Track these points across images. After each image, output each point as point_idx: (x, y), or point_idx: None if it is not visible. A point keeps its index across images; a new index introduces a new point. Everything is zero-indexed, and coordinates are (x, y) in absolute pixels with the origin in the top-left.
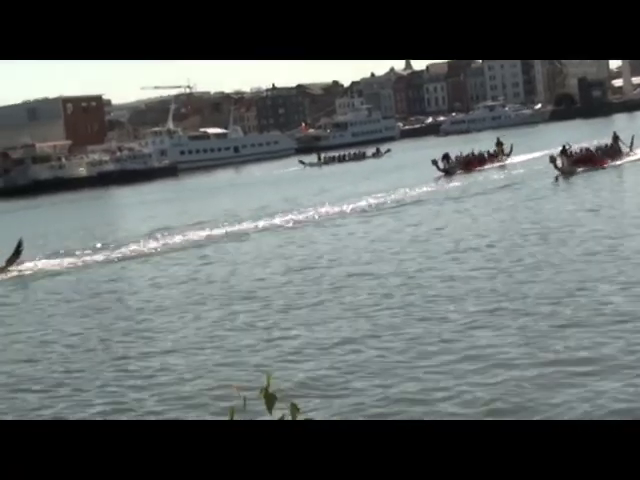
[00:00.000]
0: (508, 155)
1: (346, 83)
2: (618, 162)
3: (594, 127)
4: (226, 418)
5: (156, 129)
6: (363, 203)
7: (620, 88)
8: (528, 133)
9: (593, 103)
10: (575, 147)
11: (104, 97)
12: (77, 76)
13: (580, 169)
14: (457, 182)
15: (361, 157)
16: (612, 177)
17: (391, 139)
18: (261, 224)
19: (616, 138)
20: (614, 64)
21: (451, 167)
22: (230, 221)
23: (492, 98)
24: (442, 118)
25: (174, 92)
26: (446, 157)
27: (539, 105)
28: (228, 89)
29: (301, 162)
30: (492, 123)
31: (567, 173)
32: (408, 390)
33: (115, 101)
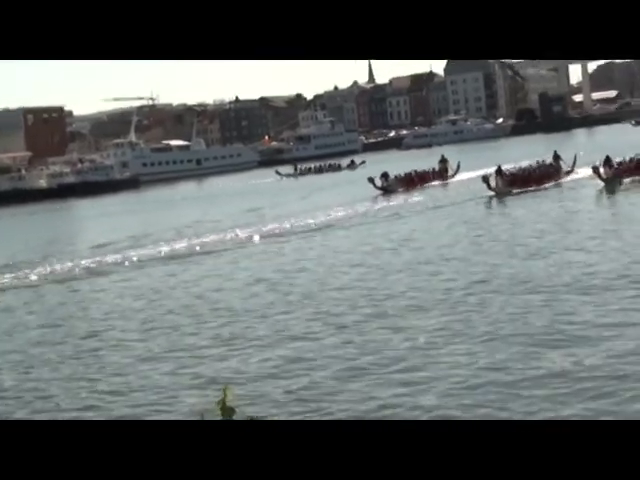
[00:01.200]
0: (455, 173)
1: (309, 96)
2: (558, 182)
3: (554, 142)
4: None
5: (118, 141)
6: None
7: (580, 103)
8: (488, 148)
9: (554, 118)
10: (513, 166)
11: (65, 108)
12: (38, 87)
13: (516, 190)
14: (389, 202)
15: (337, 168)
16: (548, 199)
17: (354, 152)
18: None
19: (557, 157)
20: (574, 79)
21: (390, 185)
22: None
23: (454, 112)
24: (405, 132)
25: (136, 104)
26: (385, 175)
27: (501, 120)
28: (191, 101)
29: (278, 173)
30: (454, 137)
31: (502, 194)
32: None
33: (77, 112)
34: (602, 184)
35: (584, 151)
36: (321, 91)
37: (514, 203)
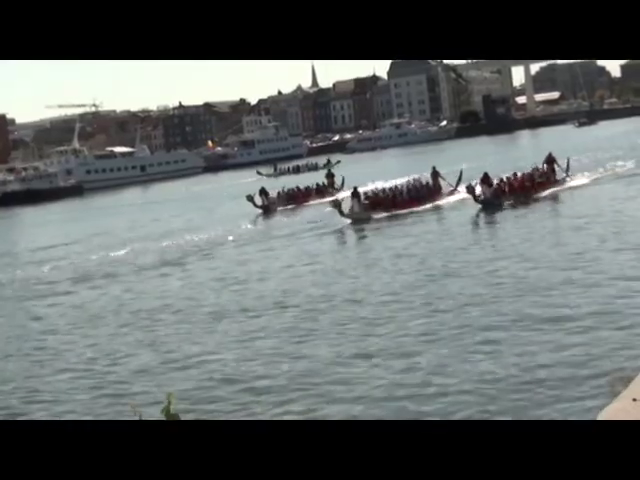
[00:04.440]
0: (339, 188)
1: (253, 101)
2: (431, 204)
3: (498, 144)
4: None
5: (61, 148)
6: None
7: (524, 105)
8: (430, 151)
9: (497, 120)
10: (374, 187)
11: (8, 116)
12: None
13: (377, 215)
14: (262, 224)
15: (314, 168)
16: (409, 225)
17: (299, 157)
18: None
19: (435, 174)
20: (517, 81)
21: (270, 203)
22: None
23: (398, 115)
24: (349, 136)
25: (79, 111)
26: (263, 192)
27: (444, 122)
28: (134, 107)
29: (259, 173)
30: (398, 140)
31: (359, 221)
32: None
33: (19, 120)
34: (479, 207)
35: (526, 154)
36: (265, 96)
37: (370, 232)
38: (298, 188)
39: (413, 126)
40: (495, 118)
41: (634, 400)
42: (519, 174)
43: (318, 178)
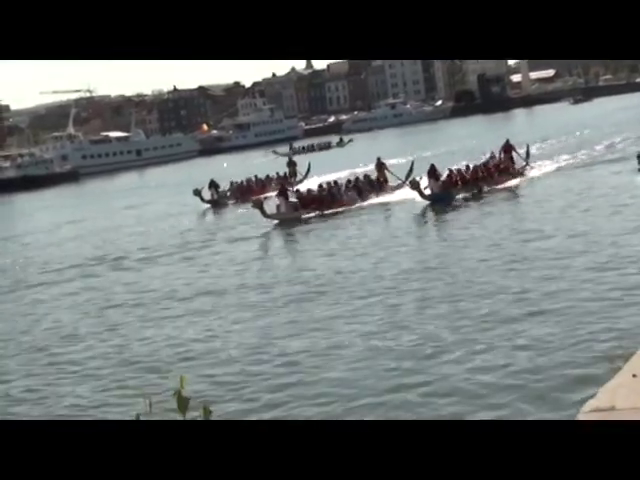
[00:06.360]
0: (303, 177)
1: (247, 83)
2: (374, 201)
3: (493, 123)
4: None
5: (57, 134)
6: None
7: (519, 83)
8: (424, 131)
9: (493, 99)
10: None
11: (2, 103)
12: None
13: (307, 215)
14: (194, 224)
15: (327, 147)
16: (344, 226)
17: (294, 139)
18: None
19: (380, 165)
20: (512, 60)
21: (221, 197)
22: None
23: (393, 96)
24: (344, 117)
25: (74, 96)
26: (213, 185)
27: (440, 102)
28: (129, 92)
29: (274, 152)
30: (394, 121)
31: (285, 221)
32: None
33: (14, 106)
34: (427, 203)
35: (520, 131)
36: (259, 78)
37: (289, 239)
38: (256, 178)
39: (408, 106)
40: (490, 97)
41: (634, 376)
42: (471, 165)
43: (330, 156)
